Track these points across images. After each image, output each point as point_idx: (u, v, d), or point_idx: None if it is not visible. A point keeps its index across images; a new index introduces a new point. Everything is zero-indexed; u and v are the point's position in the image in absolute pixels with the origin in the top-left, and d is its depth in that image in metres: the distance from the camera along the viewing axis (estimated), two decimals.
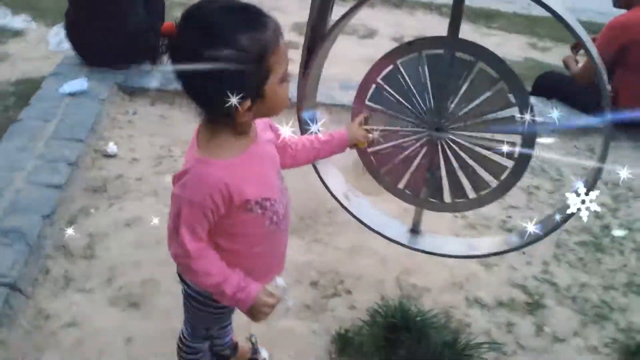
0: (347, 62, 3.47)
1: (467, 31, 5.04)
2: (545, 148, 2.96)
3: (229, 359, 1.64)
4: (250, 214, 1.09)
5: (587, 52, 1.26)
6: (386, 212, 1.85)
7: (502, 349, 1.79)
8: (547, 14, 4.22)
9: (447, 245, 1.56)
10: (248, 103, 0.97)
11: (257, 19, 0.96)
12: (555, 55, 4.48)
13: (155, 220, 2.09)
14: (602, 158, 1.34)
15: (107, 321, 1.76)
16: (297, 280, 1.98)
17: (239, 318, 1.62)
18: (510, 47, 4.82)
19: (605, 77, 1.29)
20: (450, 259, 2.09)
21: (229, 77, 0.94)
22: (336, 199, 1.59)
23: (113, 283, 1.90)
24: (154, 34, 3.10)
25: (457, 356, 1.64)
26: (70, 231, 2.00)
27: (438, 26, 5.13)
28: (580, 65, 3.28)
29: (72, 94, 2.77)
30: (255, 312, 1.14)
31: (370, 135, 1.41)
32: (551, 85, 3.34)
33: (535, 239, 1.42)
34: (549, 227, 1.44)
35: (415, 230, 1.56)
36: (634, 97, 3.03)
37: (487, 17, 5.39)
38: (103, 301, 1.83)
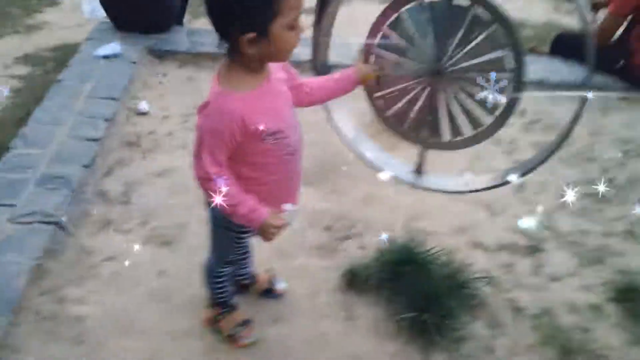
0: (369, 26, 3.57)
1: None
2: (559, 106, 3.04)
3: (250, 287, 1.84)
4: (265, 144, 1.25)
5: (578, 11, 1.35)
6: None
7: (500, 285, 1.93)
8: None
9: (446, 183, 1.70)
10: (252, 35, 1.12)
11: None
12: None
13: (185, 170, 2.31)
14: (576, 116, 1.45)
15: (141, 257, 1.97)
16: (312, 225, 2.15)
17: (259, 254, 1.82)
18: (534, 10, 4.80)
19: (591, 37, 1.38)
20: (457, 207, 2.26)
21: (239, 6, 1.10)
22: (344, 140, 1.74)
23: (147, 225, 2.10)
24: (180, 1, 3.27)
25: (456, 287, 1.80)
26: (108, 179, 2.22)
27: None
28: (597, 25, 3.31)
29: (106, 57, 2.97)
30: (264, 231, 1.31)
31: (377, 69, 1.54)
32: (568, 45, 3.38)
33: (528, 171, 1.55)
34: (537, 161, 1.57)
35: (418, 170, 1.70)
36: None
37: None
38: (138, 240, 2.04)
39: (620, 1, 3.10)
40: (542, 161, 1.57)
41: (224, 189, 1.23)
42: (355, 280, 1.90)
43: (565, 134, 1.50)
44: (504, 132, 2.76)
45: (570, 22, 4.53)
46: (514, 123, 2.87)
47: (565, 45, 3.42)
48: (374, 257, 1.96)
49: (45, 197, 2.07)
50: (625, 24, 3.28)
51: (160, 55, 3.16)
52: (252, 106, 1.20)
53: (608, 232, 2.24)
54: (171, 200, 2.20)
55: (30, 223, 1.97)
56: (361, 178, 2.31)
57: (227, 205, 1.26)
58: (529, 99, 3.10)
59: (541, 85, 3.17)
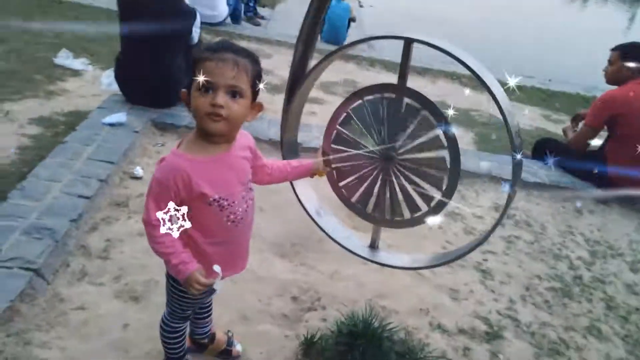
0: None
1: (486, 98, 5.36)
2: (534, 204, 3.17)
3: (207, 347, 1.88)
4: (209, 208, 1.39)
5: (497, 106, 1.51)
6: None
7: None
8: (566, 89, 4.64)
9: (396, 259, 1.79)
10: (184, 91, 1.35)
11: (218, 46, 1.33)
12: None
13: None
14: (505, 210, 1.57)
15: (110, 309, 2.04)
16: (279, 294, 2.22)
17: (219, 316, 1.89)
18: (524, 116, 5.08)
19: (513, 132, 1.53)
20: (422, 289, 2.33)
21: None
22: (309, 214, 1.87)
23: (121, 280, 2.19)
24: (189, 80, 3.55)
25: None
26: (92, 234, 2.34)
27: (455, 92, 5.47)
28: (575, 134, 3.55)
29: (112, 125, 3.19)
30: (188, 285, 1.39)
31: (328, 169, 1.77)
32: (548, 149, 3.57)
33: (463, 254, 1.64)
34: (473, 245, 1.66)
35: (372, 245, 1.81)
36: (621, 164, 3.22)
37: (506, 90, 5.70)
38: (110, 293, 2.12)
39: (593, 114, 3.33)
40: (472, 249, 1.67)
41: (161, 237, 1.35)
42: (311, 350, 1.94)
43: (494, 226, 1.61)
44: (477, 224, 2.90)
45: (557, 130, 4.78)
46: (487, 217, 2.99)
47: (545, 150, 3.62)
48: (333, 329, 2.01)
49: (30, 245, 2.18)
50: (605, 136, 3.50)
51: (163, 127, 3.39)
52: (201, 170, 1.35)
53: (570, 326, 2.28)
54: (147, 259, 2.30)
55: (10, 268, 2.06)
56: (331, 254, 2.41)
57: (161, 251, 1.38)
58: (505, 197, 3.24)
59: (520, 184, 3.32)
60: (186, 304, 1.60)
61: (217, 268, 1.41)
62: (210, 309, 1.83)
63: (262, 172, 1.61)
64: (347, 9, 6.84)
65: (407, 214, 1.67)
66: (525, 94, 5.73)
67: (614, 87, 3.43)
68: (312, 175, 1.75)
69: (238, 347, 1.91)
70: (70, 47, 4.58)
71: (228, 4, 6.19)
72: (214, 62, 1.29)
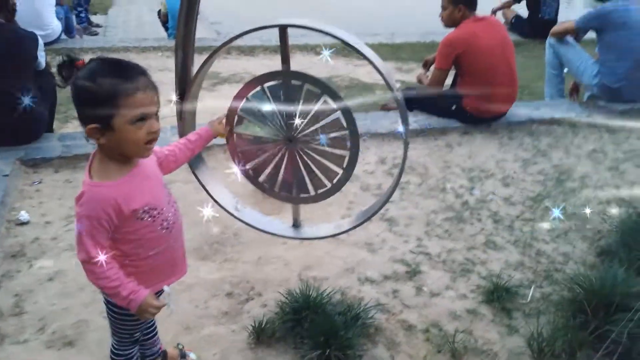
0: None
1: (343, 64, 5.65)
2: (412, 150, 3.48)
3: None
4: (142, 222, 1.40)
5: (369, 62, 1.68)
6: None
7: (390, 310, 2.17)
8: (408, 40, 5.02)
9: (321, 230, 1.94)
10: (94, 126, 1.28)
11: (127, 73, 1.30)
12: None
13: (76, 270, 2.33)
14: (404, 158, 1.77)
15: None
16: (213, 295, 2.26)
17: (163, 333, 1.90)
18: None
19: (391, 84, 1.72)
20: (342, 252, 2.50)
21: (85, 101, 1.30)
22: (227, 211, 1.93)
23: (46, 330, 2.08)
24: (47, 108, 3.36)
25: (352, 320, 2.00)
26: None
27: (317, 63, 5.70)
28: (428, 79, 3.92)
29: None
30: (142, 312, 1.42)
31: (228, 127, 1.82)
32: (409, 99, 3.91)
33: (379, 207, 1.83)
34: (386, 197, 1.86)
35: (295, 224, 1.92)
36: (472, 95, 3.64)
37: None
38: (39, 347, 2.01)
39: (441, 58, 3.71)
40: (386, 200, 1.86)
41: (105, 272, 1.35)
42: (262, 337, 2.02)
43: (399, 175, 1.81)
44: (371, 179, 3.14)
45: (412, 78, 5.21)
46: (377, 171, 3.25)
47: (407, 99, 3.95)
48: (276, 311, 2.11)
49: None
50: (453, 74, 3.90)
51: (33, 164, 3.17)
52: (125, 191, 1.35)
53: (470, 246, 2.60)
54: (67, 301, 2.20)
55: None
56: (250, 242, 2.49)
57: (108, 286, 1.38)
58: (387, 149, 3.52)
59: (393, 135, 3.63)
60: (134, 326, 1.60)
61: (166, 289, 1.44)
62: (156, 327, 1.83)
63: (168, 161, 1.63)
64: None
65: (327, 184, 1.79)
66: (374, 51, 6.11)
67: (452, 29, 3.81)
68: (215, 136, 1.79)
69: (192, 356, 1.94)
70: None
71: (58, 17, 5.76)
72: (140, 92, 1.28)
